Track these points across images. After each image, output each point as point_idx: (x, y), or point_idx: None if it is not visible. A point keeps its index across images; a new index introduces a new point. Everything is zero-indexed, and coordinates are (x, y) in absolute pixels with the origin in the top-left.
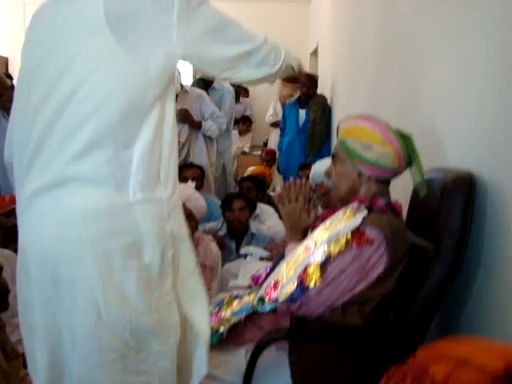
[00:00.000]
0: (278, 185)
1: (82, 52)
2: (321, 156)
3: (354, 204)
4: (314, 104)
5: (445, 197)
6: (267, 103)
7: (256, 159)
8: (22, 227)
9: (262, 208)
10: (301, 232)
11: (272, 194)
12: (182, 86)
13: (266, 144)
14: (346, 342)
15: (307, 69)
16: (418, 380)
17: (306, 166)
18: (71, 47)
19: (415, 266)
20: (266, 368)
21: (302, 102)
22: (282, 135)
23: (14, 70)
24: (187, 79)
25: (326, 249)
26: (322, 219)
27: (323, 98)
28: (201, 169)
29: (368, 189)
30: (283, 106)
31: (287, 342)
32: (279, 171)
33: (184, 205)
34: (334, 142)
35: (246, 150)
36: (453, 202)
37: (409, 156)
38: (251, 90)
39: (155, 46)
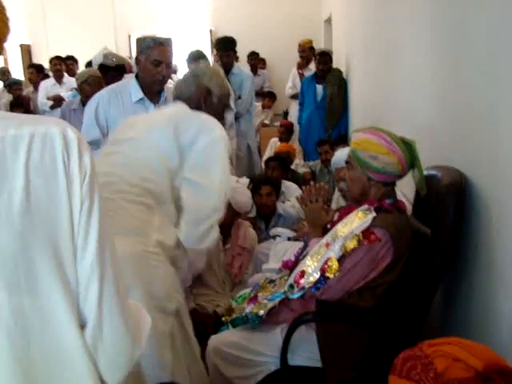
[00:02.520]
0: (298, 156)
1: None
2: (339, 129)
3: (365, 206)
4: (330, 79)
5: (440, 197)
6: (285, 73)
7: (276, 130)
8: None
9: (287, 185)
10: (321, 227)
11: (294, 167)
12: None
13: (286, 113)
14: (361, 321)
15: (321, 36)
16: (425, 368)
17: (324, 142)
18: None
19: (417, 250)
20: (298, 342)
21: (318, 78)
22: (301, 110)
23: (37, 56)
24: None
25: (342, 245)
26: (339, 218)
27: (339, 73)
28: None
29: (377, 191)
30: (301, 78)
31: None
32: (300, 144)
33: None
34: (352, 114)
35: (267, 121)
36: (446, 205)
37: (411, 160)
38: (268, 61)
39: None
